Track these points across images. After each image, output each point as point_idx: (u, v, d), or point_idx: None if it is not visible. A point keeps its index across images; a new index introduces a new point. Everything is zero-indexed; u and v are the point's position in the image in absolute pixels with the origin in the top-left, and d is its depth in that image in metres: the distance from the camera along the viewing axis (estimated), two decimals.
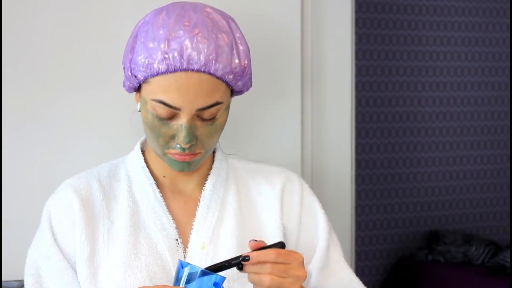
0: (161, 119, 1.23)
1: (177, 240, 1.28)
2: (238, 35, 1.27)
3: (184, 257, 1.27)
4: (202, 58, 1.20)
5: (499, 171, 3.93)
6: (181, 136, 1.22)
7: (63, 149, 1.63)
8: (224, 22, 1.25)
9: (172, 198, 1.33)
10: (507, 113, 3.94)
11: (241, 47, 1.26)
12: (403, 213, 3.75)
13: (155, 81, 1.21)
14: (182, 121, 1.22)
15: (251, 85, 1.34)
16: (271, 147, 1.77)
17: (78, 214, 1.29)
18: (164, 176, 1.34)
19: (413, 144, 3.77)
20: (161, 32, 1.21)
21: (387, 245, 3.69)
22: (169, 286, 1.10)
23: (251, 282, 1.14)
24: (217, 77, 1.22)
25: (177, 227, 1.30)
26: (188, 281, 1.10)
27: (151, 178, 1.33)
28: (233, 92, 1.30)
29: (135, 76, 1.25)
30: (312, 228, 1.37)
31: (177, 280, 1.11)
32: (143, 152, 1.38)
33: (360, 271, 3.58)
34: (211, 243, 1.28)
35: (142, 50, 1.22)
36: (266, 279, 1.12)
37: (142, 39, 1.23)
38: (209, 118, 1.24)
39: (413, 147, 3.77)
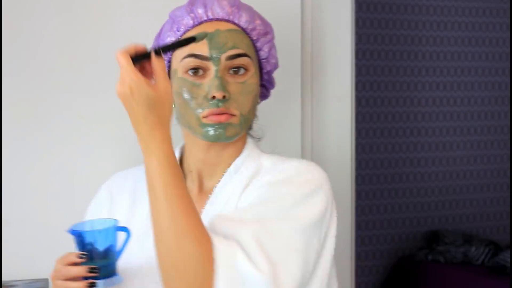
0: (191, 79, 1.24)
1: None
2: (258, 14, 1.34)
3: None
4: (225, 8, 1.27)
5: (499, 171, 3.93)
6: (214, 86, 1.23)
7: (63, 149, 1.63)
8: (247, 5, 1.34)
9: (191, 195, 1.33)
10: (507, 113, 3.94)
11: (263, 18, 1.33)
12: (403, 213, 3.75)
13: None
14: (212, 74, 1.24)
15: (277, 64, 1.37)
16: (271, 147, 1.77)
17: (105, 202, 1.38)
18: (190, 171, 1.33)
19: (413, 144, 3.77)
20: (186, 3, 1.30)
21: (387, 245, 3.69)
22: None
23: None
24: (242, 29, 1.28)
25: None
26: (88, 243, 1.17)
27: None
28: (261, 73, 1.33)
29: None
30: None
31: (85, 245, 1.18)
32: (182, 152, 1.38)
33: (360, 271, 3.58)
34: None
35: (169, 22, 1.31)
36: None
37: (168, 19, 1.32)
38: (239, 71, 1.26)
39: (413, 147, 3.77)
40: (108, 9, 1.65)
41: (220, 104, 1.23)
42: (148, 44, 1.67)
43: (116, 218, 1.24)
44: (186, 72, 1.26)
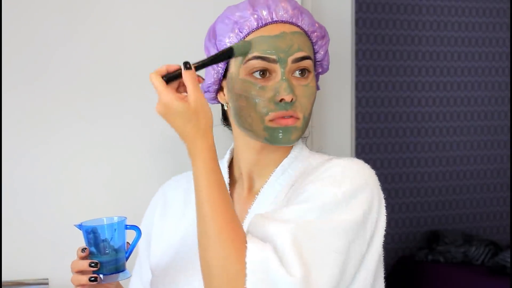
0: (257, 82, 1.24)
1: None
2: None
3: None
4: (289, 10, 1.27)
5: (499, 171, 3.93)
6: (282, 89, 1.23)
7: (63, 149, 1.63)
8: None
9: (239, 199, 1.34)
10: (507, 113, 3.94)
11: (319, 22, 1.33)
12: (403, 213, 3.75)
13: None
14: (279, 77, 1.24)
15: (328, 67, 1.39)
16: None
17: (158, 203, 1.42)
18: (240, 173, 1.34)
19: (413, 144, 3.77)
20: (244, 4, 1.29)
21: (387, 245, 3.67)
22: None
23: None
24: (304, 31, 1.28)
25: None
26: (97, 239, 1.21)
27: (227, 177, 1.35)
28: (315, 69, 1.33)
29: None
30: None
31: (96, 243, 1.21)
32: (231, 159, 1.39)
33: None
34: None
35: (228, 23, 1.28)
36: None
37: (224, 20, 1.29)
38: (304, 74, 1.26)
39: (413, 147, 3.77)
40: (108, 9, 1.65)
41: (288, 107, 1.23)
42: (152, 45, 1.68)
43: (167, 218, 1.36)
44: (250, 74, 1.25)
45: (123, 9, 1.66)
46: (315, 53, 1.32)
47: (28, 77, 1.60)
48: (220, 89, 1.32)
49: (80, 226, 1.21)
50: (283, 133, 1.24)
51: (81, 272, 1.21)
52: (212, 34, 1.32)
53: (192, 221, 1.29)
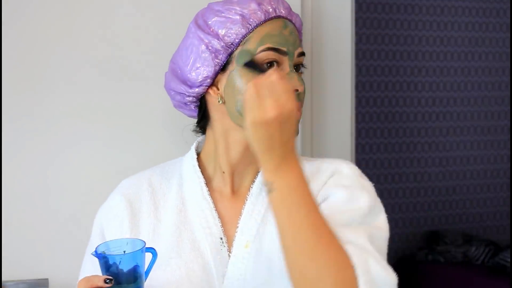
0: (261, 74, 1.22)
1: (221, 239, 1.28)
2: None
3: (229, 256, 1.27)
4: (286, 7, 1.31)
5: (499, 171, 3.93)
6: (295, 79, 1.25)
7: (63, 149, 1.63)
8: None
9: (221, 198, 1.33)
10: (507, 113, 3.93)
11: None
12: (403, 213, 3.75)
13: (256, 33, 1.27)
14: (287, 69, 1.27)
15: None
16: None
17: (124, 213, 1.33)
18: (223, 172, 1.33)
19: (413, 144, 3.77)
20: (243, 0, 1.30)
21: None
22: (98, 276, 1.11)
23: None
24: (296, 28, 1.32)
25: (223, 226, 1.29)
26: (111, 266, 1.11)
27: (201, 176, 1.33)
28: None
29: (229, 44, 1.27)
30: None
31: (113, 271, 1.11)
32: (198, 152, 1.38)
33: None
34: (254, 241, 1.27)
35: (230, 14, 1.28)
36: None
37: (221, 10, 1.29)
38: (298, 68, 1.29)
39: (413, 147, 3.77)
40: (108, 8, 1.65)
41: (297, 99, 1.23)
42: (149, 40, 1.68)
43: (141, 229, 1.26)
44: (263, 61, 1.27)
45: (123, 9, 1.66)
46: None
47: (28, 77, 1.60)
48: (212, 84, 1.31)
49: (100, 255, 1.12)
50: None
51: None
52: (206, 27, 1.30)
53: (174, 228, 1.29)
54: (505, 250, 3.24)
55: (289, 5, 1.33)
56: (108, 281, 1.11)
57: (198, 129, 1.39)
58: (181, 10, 1.67)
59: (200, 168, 1.35)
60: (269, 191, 1.11)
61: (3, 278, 1.56)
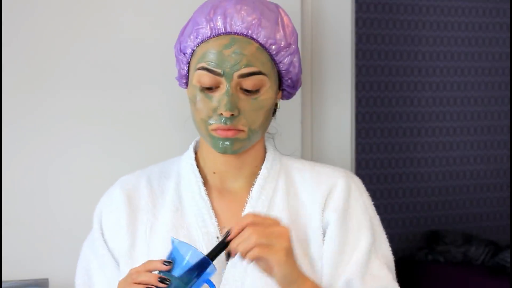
0: (204, 90, 1.24)
1: (218, 238, 1.28)
2: (285, 17, 1.30)
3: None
4: (245, 21, 1.24)
5: (499, 171, 3.93)
6: (222, 104, 1.23)
7: (63, 149, 1.63)
8: (273, 6, 1.30)
9: (219, 197, 1.33)
10: (507, 113, 3.93)
11: (287, 25, 1.29)
12: (403, 213, 3.75)
13: (200, 49, 1.26)
14: (223, 90, 1.23)
15: (299, 84, 1.36)
16: (271, 146, 1.77)
17: (122, 208, 1.33)
18: (214, 172, 1.33)
19: (413, 144, 3.77)
20: (209, 5, 1.27)
21: None
22: (154, 261, 1.11)
23: (242, 252, 1.12)
24: (260, 44, 1.25)
25: (219, 226, 1.29)
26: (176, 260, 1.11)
27: (199, 175, 1.33)
28: (281, 84, 1.32)
29: (184, 54, 1.29)
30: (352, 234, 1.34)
31: (175, 261, 1.11)
32: (196, 151, 1.38)
33: None
34: None
35: (190, 25, 1.29)
36: (252, 237, 1.11)
37: (192, 19, 1.30)
38: (252, 89, 1.24)
39: (413, 147, 3.77)
40: (109, 8, 1.65)
41: (228, 122, 1.23)
42: (149, 42, 1.68)
43: (138, 226, 1.29)
44: (199, 80, 1.26)
45: (123, 9, 1.66)
46: (277, 63, 1.28)
47: (28, 77, 1.60)
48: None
49: (182, 243, 1.12)
50: (223, 142, 1.25)
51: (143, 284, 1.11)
52: (180, 34, 1.33)
53: (170, 226, 1.29)
54: (505, 250, 3.24)
55: (257, 16, 1.25)
56: (167, 263, 1.11)
57: None
58: (182, 12, 1.67)
59: (198, 167, 1.35)
60: None
61: (3, 278, 1.56)
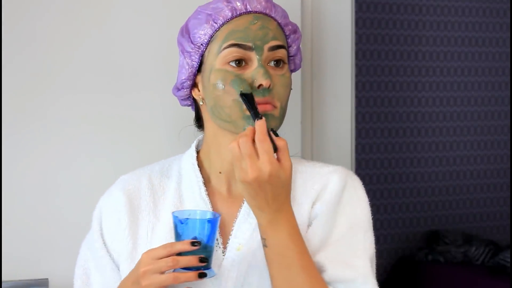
0: (234, 70, 1.23)
1: (217, 240, 1.26)
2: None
3: (223, 257, 1.26)
4: (262, 3, 1.27)
5: (499, 171, 3.93)
6: (260, 75, 1.22)
7: (63, 149, 1.63)
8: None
9: (219, 198, 1.31)
10: (507, 113, 3.94)
11: (288, 16, 1.33)
12: (403, 213, 3.75)
13: (221, 32, 1.25)
14: (255, 64, 1.24)
15: (300, 64, 1.38)
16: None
17: (123, 210, 1.32)
18: (220, 172, 1.31)
19: (413, 144, 3.77)
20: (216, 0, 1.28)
21: (387, 245, 3.69)
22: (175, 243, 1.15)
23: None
24: (278, 23, 1.28)
25: (219, 227, 1.27)
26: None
27: (200, 176, 1.32)
28: (288, 64, 1.33)
29: (197, 44, 1.27)
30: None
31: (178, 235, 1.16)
32: (198, 151, 1.36)
33: None
34: (246, 245, 1.26)
35: (201, 16, 1.28)
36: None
37: (196, 16, 1.29)
38: (278, 62, 1.26)
39: (413, 147, 3.77)
40: (110, 9, 1.65)
41: (266, 93, 1.23)
42: (149, 44, 1.68)
43: (139, 227, 1.29)
44: (227, 63, 1.24)
45: (124, 9, 1.66)
46: (288, 46, 1.31)
47: (28, 77, 1.61)
48: (194, 85, 1.32)
49: (188, 219, 1.16)
50: None
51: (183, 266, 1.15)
52: (185, 30, 1.31)
53: (166, 228, 1.28)
54: (505, 250, 3.24)
55: (269, 2, 1.30)
56: (196, 243, 1.14)
57: (198, 127, 1.39)
58: (183, 14, 1.67)
59: (199, 167, 1.34)
60: (263, 245, 1.16)
61: (3, 278, 1.56)
